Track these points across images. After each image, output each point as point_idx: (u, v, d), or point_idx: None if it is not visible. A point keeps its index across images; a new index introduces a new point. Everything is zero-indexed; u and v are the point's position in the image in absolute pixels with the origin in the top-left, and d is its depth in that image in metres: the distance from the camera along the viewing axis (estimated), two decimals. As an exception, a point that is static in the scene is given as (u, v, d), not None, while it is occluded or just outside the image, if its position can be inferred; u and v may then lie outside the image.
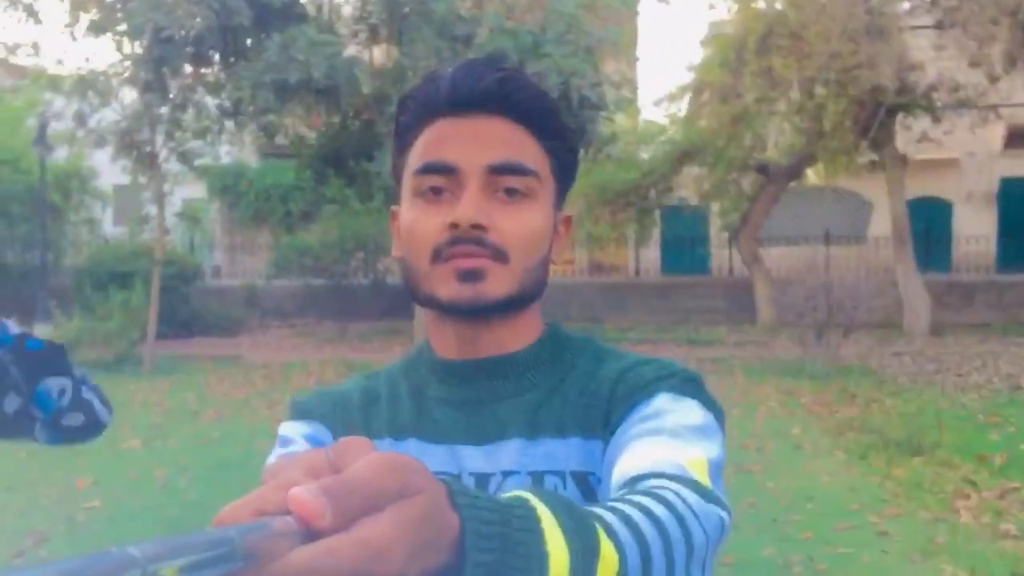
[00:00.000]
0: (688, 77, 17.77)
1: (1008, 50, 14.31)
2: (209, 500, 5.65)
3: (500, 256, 0.91)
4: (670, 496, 0.67)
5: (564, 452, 0.91)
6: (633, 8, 17.02)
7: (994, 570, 4.52)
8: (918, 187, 18.84)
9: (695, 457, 0.77)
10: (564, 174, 1.00)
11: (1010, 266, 20.60)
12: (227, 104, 12.39)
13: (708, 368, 10.94)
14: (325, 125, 14.06)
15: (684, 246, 22.54)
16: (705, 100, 17.02)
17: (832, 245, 19.30)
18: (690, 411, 0.86)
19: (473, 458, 0.93)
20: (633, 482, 0.73)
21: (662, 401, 0.87)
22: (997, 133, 20.84)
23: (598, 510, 0.60)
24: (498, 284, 0.91)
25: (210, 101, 12.51)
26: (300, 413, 1.00)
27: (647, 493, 0.67)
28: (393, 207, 1.01)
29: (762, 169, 17.80)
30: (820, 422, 8.25)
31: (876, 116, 15.06)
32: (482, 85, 0.93)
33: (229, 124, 12.91)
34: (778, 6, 15.53)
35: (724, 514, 0.71)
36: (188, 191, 19.75)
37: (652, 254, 22.87)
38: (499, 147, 0.92)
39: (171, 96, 12.01)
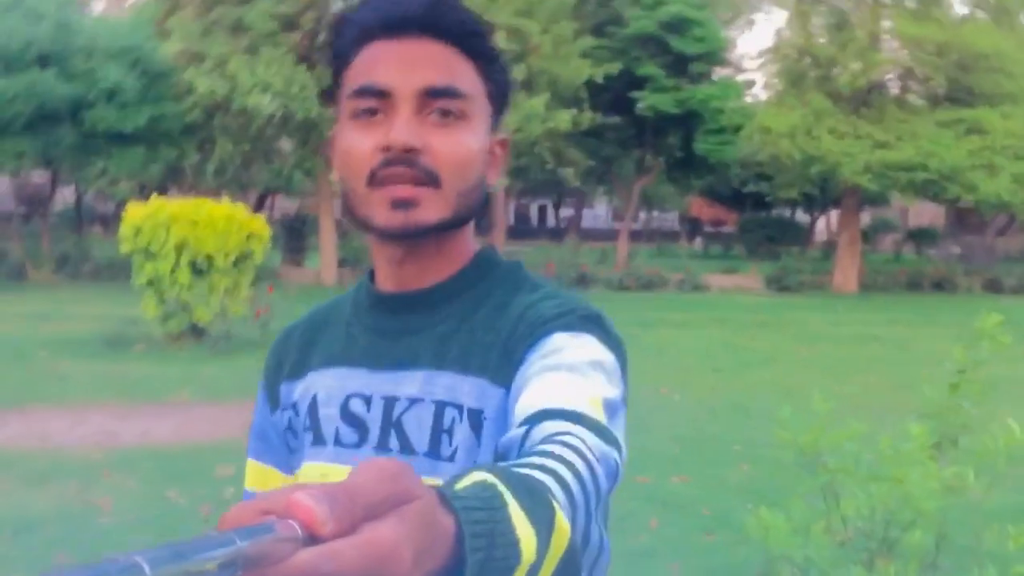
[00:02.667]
0: None
1: None
2: None
3: (432, 179, 0.92)
4: (583, 447, 0.70)
5: (464, 387, 0.95)
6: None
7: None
8: None
9: (593, 395, 0.81)
10: (498, 97, 1.01)
11: None
12: None
13: None
14: None
15: None
16: None
17: None
18: (588, 347, 0.89)
19: (385, 383, 0.99)
20: (536, 418, 0.76)
21: (560, 339, 0.90)
22: None
23: (543, 477, 0.63)
24: (430, 210, 0.93)
25: None
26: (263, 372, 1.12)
27: (566, 444, 0.70)
28: (331, 132, 1.02)
29: None
30: None
31: None
32: (414, 8, 0.94)
33: None
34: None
35: (619, 457, 0.76)
36: None
37: None
38: (432, 69, 0.93)
39: None
